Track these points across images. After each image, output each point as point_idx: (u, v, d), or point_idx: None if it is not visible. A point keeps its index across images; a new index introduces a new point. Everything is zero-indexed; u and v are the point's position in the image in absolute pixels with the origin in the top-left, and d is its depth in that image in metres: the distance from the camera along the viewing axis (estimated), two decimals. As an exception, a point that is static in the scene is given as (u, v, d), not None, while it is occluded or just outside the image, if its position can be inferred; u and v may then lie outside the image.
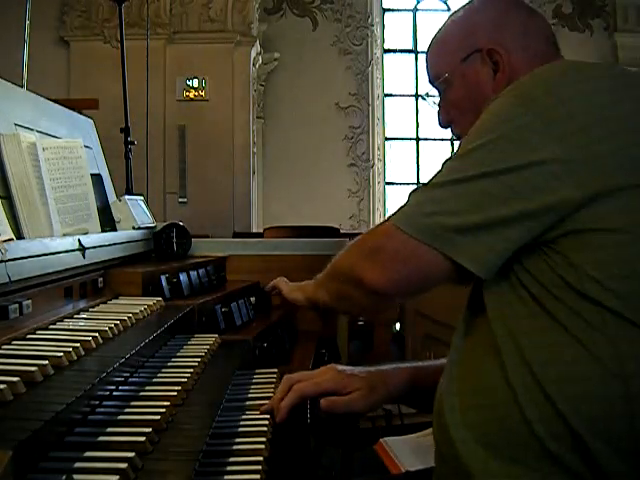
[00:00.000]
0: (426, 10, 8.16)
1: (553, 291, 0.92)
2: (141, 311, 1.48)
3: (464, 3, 1.26)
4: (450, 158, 1.02)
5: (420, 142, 8.24)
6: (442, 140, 8.16)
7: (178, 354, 1.44)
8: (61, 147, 1.73)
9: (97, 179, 2.04)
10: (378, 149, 7.86)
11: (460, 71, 1.18)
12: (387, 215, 1.09)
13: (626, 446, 0.88)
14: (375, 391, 1.22)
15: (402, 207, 1.03)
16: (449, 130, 1.27)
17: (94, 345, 1.16)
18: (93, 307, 1.47)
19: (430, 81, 1.26)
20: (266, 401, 1.24)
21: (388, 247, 1.01)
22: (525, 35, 1.16)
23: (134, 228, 2.17)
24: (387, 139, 8.12)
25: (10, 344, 1.07)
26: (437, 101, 1.26)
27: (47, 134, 1.78)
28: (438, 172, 1.02)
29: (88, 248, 1.60)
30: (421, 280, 1.03)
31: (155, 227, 2.35)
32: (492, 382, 0.95)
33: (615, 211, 0.91)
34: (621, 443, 0.88)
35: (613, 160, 0.91)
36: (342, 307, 1.28)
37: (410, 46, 8.22)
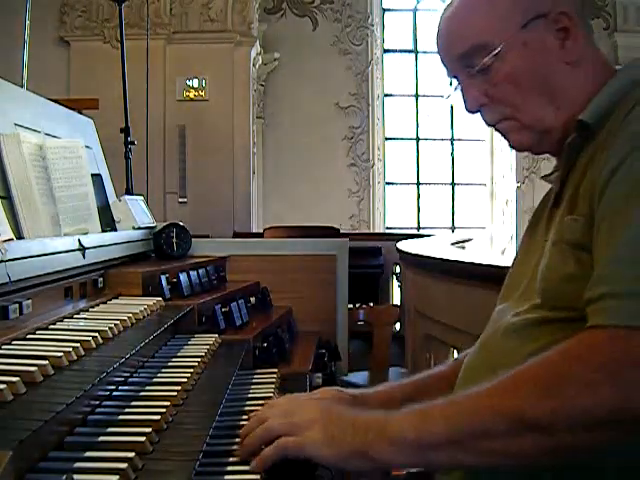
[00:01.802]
0: (426, 10, 8.18)
1: None
2: (141, 311, 1.48)
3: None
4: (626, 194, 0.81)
5: (420, 142, 8.24)
6: (442, 140, 8.19)
7: (178, 354, 1.44)
8: (61, 147, 1.73)
9: (97, 179, 2.04)
10: (378, 149, 7.87)
11: (520, 39, 0.97)
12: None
13: None
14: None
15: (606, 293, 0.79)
16: (478, 115, 1.05)
17: (94, 345, 1.16)
18: (93, 307, 1.47)
19: (460, 56, 1.01)
20: (266, 401, 1.24)
21: (631, 356, 0.75)
22: (583, 7, 1.02)
23: (134, 228, 2.17)
24: (387, 139, 8.13)
25: (10, 344, 1.07)
26: (462, 80, 1.03)
27: (47, 134, 1.78)
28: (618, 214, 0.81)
29: (88, 248, 1.60)
30: None
31: (155, 227, 2.35)
32: None
33: None
34: None
35: None
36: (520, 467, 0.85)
37: (410, 46, 8.23)
